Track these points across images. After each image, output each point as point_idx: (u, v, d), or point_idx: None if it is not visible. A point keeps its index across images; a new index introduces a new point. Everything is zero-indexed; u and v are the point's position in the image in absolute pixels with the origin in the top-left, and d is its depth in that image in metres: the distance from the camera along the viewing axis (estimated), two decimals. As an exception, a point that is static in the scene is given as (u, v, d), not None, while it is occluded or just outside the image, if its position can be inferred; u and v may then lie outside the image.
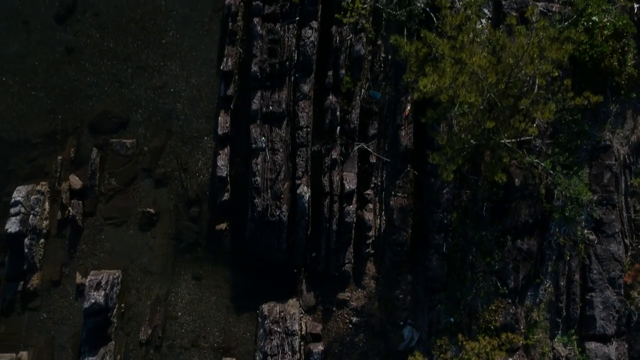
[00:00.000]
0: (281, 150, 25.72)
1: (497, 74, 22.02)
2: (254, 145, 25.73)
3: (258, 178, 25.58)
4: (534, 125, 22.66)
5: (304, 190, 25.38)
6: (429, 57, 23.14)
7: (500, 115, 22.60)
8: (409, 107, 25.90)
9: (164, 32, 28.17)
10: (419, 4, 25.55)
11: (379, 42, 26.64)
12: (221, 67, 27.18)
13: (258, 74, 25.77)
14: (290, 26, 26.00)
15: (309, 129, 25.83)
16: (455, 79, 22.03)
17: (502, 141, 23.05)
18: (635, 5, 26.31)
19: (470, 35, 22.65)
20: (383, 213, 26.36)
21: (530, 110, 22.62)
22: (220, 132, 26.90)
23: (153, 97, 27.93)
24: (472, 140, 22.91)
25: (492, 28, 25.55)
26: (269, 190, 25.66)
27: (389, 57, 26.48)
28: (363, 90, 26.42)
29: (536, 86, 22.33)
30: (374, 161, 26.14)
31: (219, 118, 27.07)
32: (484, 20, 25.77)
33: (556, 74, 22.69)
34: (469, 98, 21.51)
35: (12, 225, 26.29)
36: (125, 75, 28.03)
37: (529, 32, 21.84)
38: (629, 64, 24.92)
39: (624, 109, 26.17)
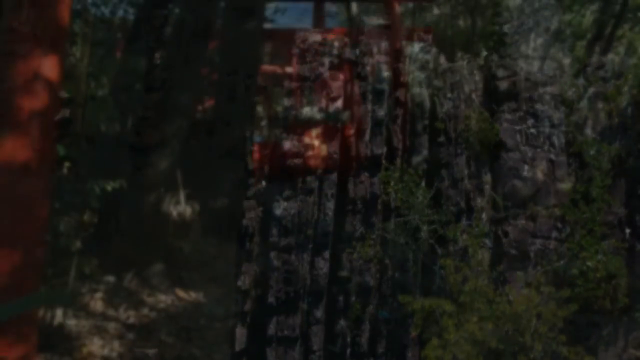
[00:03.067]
0: (295, 372, 27.55)
1: (497, 333, 23.94)
2: (269, 369, 27.56)
3: (274, 401, 27.40)
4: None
5: (317, 415, 27.24)
6: (434, 315, 25.02)
7: (500, 370, 24.51)
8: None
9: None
10: (423, 234, 27.35)
11: (387, 261, 28.40)
12: (238, 284, 29.07)
13: (274, 303, 27.55)
14: (304, 255, 27.76)
15: (321, 352, 27.58)
16: (458, 340, 23.93)
17: (502, 370, 25.04)
18: (627, 231, 28.14)
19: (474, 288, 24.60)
20: None
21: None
22: (237, 348, 28.66)
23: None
24: (473, 363, 24.87)
25: (492, 259, 27.47)
26: (284, 411, 27.50)
27: (396, 275, 28.26)
28: (372, 307, 28.21)
29: (534, 347, 24.21)
30: (382, 379, 28.01)
31: (236, 330, 28.88)
32: (484, 250, 27.62)
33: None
34: (471, 363, 23.50)
35: None
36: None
37: (529, 303, 23.73)
38: (620, 298, 26.70)
39: (616, 328, 27.94)
